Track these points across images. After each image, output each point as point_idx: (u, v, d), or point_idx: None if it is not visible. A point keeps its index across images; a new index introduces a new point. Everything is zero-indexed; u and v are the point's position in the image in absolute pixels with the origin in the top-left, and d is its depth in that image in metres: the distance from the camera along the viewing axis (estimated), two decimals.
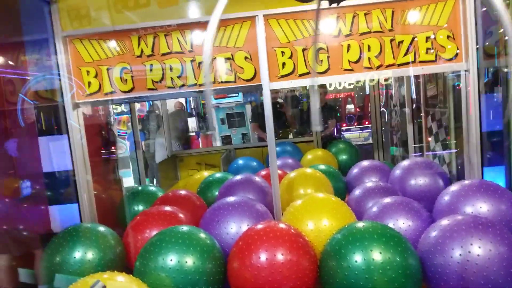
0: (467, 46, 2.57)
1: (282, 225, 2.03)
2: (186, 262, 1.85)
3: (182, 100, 8.28)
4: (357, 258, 1.77)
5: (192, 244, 1.91)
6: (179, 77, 2.73)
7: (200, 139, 7.70)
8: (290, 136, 6.27)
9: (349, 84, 8.72)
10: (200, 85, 2.73)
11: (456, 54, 2.63)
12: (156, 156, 6.24)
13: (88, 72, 2.74)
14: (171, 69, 2.72)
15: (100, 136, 3.58)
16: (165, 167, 4.83)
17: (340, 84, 8.68)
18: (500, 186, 2.24)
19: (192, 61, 2.70)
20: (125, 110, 7.50)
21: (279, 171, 3.61)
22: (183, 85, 2.73)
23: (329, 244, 1.95)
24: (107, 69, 2.72)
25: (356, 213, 2.72)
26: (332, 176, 3.44)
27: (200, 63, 2.71)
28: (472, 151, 2.58)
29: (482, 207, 2.11)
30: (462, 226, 1.82)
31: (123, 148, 6.95)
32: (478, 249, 1.73)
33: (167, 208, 2.53)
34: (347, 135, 8.26)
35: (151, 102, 8.37)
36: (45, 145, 2.86)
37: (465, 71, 2.61)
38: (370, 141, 6.08)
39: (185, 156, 5.08)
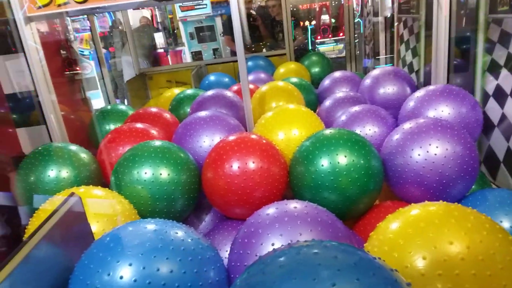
0: None
1: (253, 136, 2.08)
2: (161, 174, 1.90)
3: (147, 14, 7.77)
4: (324, 162, 1.86)
5: (165, 157, 1.95)
6: None
7: (169, 56, 7.40)
8: (264, 50, 6.11)
9: None
10: None
11: None
12: (124, 75, 6.02)
13: None
14: None
15: (60, 55, 3.38)
16: (134, 86, 4.70)
17: None
18: (463, 90, 2.31)
19: None
20: (86, 27, 6.98)
21: (251, 86, 3.58)
22: None
23: (298, 151, 2.04)
24: None
25: (327, 122, 2.80)
26: (303, 88, 3.46)
27: None
28: (439, 58, 2.61)
29: (444, 110, 2.21)
30: (423, 128, 1.91)
31: (89, 67, 6.63)
32: (436, 148, 1.84)
33: (139, 125, 2.52)
34: (321, 48, 8.09)
35: (113, 17, 7.82)
36: (2, 64, 2.69)
37: None
38: (344, 53, 6.02)
39: (154, 73, 4.92)
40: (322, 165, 1.86)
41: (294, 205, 1.35)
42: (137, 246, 1.13)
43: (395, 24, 4.07)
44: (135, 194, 1.88)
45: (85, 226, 1.35)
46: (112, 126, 2.95)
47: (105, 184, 2.21)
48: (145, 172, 1.90)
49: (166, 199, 1.89)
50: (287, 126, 2.32)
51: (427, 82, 3.24)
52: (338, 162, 1.85)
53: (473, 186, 2.02)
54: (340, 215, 1.90)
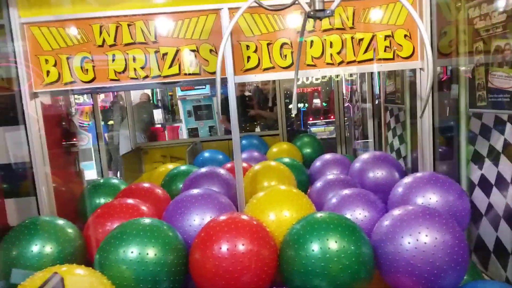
0: (423, 45, 2.70)
1: (243, 216, 2.08)
2: (147, 254, 1.86)
3: (149, 92, 8.14)
4: (314, 247, 1.85)
5: (153, 236, 1.92)
6: (142, 68, 2.69)
7: (166, 132, 7.61)
8: (257, 129, 6.33)
9: (316, 79, 8.89)
10: (164, 77, 2.72)
11: (412, 53, 2.76)
12: (120, 148, 6.13)
13: (46, 60, 2.66)
14: (134, 59, 2.68)
15: (60, 127, 3.47)
16: (129, 160, 4.76)
17: (307, 79, 8.84)
18: (449, 178, 2.38)
19: (156, 52, 2.68)
20: (87, 100, 7.27)
21: (244, 164, 3.65)
22: (146, 76, 2.70)
23: (289, 234, 2.02)
24: (67, 58, 2.65)
25: (318, 204, 2.81)
26: (295, 168, 3.53)
27: (164, 54, 2.69)
28: (425, 146, 2.73)
29: (431, 198, 2.25)
30: (412, 216, 1.93)
31: (85, 139, 6.75)
32: (425, 237, 1.85)
33: (130, 200, 2.51)
34: (313, 129, 8.41)
35: (115, 93, 8.17)
36: (1, 135, 2.75)
37: (420, 69, 2.75)
38: (335, 135, 6.25)
39: (150, 148, 5.02)
40: (313, 250, 1.84)
41: None
42: None
43: (382, 112, 4.31)
44: (119, 275, 1.81)
45: None
46: (103, 200, 2.93)
47: (89, 262, 2.14)
48: (132, 251, 1.85)
49: (150, 281, 1.82)
50: (278, 208, 2.32)
51: (414, 168, 3.34)
52: (329, 248, 1.84)
53: (465, 277, 1.99)
54: None
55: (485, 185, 2.51)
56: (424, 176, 2.38)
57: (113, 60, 2.69)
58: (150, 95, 7.85)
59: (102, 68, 2.71)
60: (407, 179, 2.43)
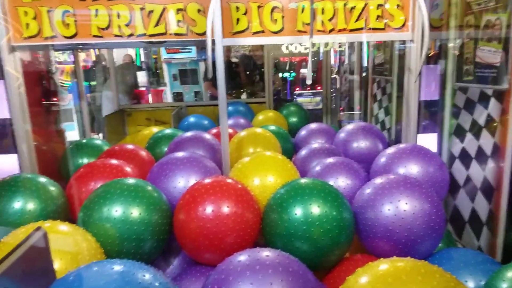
0: (414, 16, 2.68)
1: (228, 180, 2.09)
2: (132, 213, 1.86)
3: (132, 53, 7.90)
4: (297, 211, 1.88)
5: (138, 196, 1.92)
6: (127, 25, 2.59)
7: (150, 95, 7.47)
8: (244, 96, 6.27)
9: (305, 48, 8.77)
10: (150, 36, 2.63)
11: (403, 24, 2.73)
12: (102, 109, 5.99)
13: (26, 12, 2.52)
14: (118, 16, 2.57)
15: (40, 85, 3.36)
16: (112, 122, 4.67)
17: (296, 47, 8.72)
18: (430, 150, 2.44)
19: (141, 9, 2.57)
20: (68, 60, 7.01)
21: (230, 130, 3.63)
22: (131, 35, 2.61)
23: (272, 198, 2.05)
24: (48, 11, 2.52)
25: (302, 172, 2.85)
26: (281, 136, 3.54)
27: (150, 12, 2.59)
28: (409, 118, 2.76)
29: (412, 168, 2.31)
30: (393, 185, 1.98)
31: (66, 99, 6.57)
32: (405, 205, 1.91)
33: (113, 161, 2.49)
34: (299, 99, 8.39)
35: (96, 52, 7.90)
36: None
37: (410, 41, 2.73)
38: (321, 106, 6.27)
39: (134, 111, 4.93)
40: (296, 214, 1.88)
41: (266, 253, 1.34)
42: (102, 287, 1.08)
43: (369, 83, 4.32)
44: (103, 233, 1.81)
45: (48, 263, 1.29)
46: (85, 160, 2.90)
47: (71, 220, 2.13)
48: (116, 210, 1.85)
49: (135, 239, 1.84)
50: (263, 173, 2.35)
51: (398, 140, 3.40)
52: (311, 212, 1.88)
53: (439, 244, 2.08)
54: (311, 266, 1.89)
55: (465, 158, 2.58)
56: (406, 148, 2.43)
57: (96, 15, 2.57)
58: (134, 56, 7.63)
59: (84, 24, 2.60)
60: (390, 150, 2.47)
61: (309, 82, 2.86)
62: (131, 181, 2.05)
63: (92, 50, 8.24)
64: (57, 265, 1.47)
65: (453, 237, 2.49)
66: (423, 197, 1.94)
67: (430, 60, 3.37)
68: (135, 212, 1.87)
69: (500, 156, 2.23)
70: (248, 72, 6.54)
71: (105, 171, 2.34)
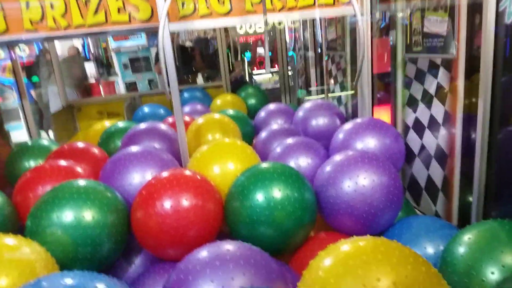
0: None
1: (186, 172, 2.02)
2: (84, 217, 1.75)
3: (79, 44, 7.47)
4: (259, 196, 1.85)
5: (89, 198, 1.80)
6: (63, 16, 2.40)
7: (101, 87, 7.11)
8: (200, 81, 6.12)
9: (260, 27, 8.63)
10: (89, 26, 2.45)
11: None
12: (51, 106, 5.65)
13: None
14: (52, 6, 2.37)
15: None
16: (60, 119, 4.40)
17: (250, 27, 8.57)
18: (386, 123, 2.47)
19: None
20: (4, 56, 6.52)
21: (187, 118, 3.53)
22: (68, 26, 2.42)
23: (233, 185, 2.01)
24: None
25: (263, 154, 2.82)
26: (240, 120, 3.48)
27: (86, 0, 2.40)
28: (364, 92, 2.78)
29: (370, 142, 2.33)
30: (351, 161, 1.99)
31: (10, 98, 6.14)
32: (364, 180, 1.92)
33: (62, 162, 2.33)
34: (258, 79, 8.31)
35: (41, 46, 7.40)
36: None
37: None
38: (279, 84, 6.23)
39: (84, 105, 4.67)
40: (258, 200, 1.85)
41: (226, 247, 1.30)
42: None
43: (324, 59, 4.31)
44: (54, 241, 1.70)
45: None
46: (32, 164, 2.71)
47: (22, 230, 1.99)
48: (66, 215, 1.73)
49: (90, 244, 1.74)
50: (223, 160, 2.29)
51: (354, 115, 3.44)
52: (273, 196, 1.85)
53: (399, 213, 2.13)
54: (277, 250, 1.89)
55: (418, 128, 2.65)
56: (363, 122, 2.44)
57: (27, 7, 2.36)
58: (80, 47, 7.21)
59: (15, 18, 2.38)
60: (347, 126, 2.48)
61: (267, 70, 2.81)
62: (81, 182, 1.93)
63: (34, 44, 7.71)
64: (3, 282, 1.36)
65: (411, 205, 2.57)
66: (380, 170, 1.97)
67: (382, 32, 3.39)
68: (88, 216, 1.76)
69: (451, 123, 2.29)
70: (204, 56, 6.36)
71: (53, 174, 2.19)
